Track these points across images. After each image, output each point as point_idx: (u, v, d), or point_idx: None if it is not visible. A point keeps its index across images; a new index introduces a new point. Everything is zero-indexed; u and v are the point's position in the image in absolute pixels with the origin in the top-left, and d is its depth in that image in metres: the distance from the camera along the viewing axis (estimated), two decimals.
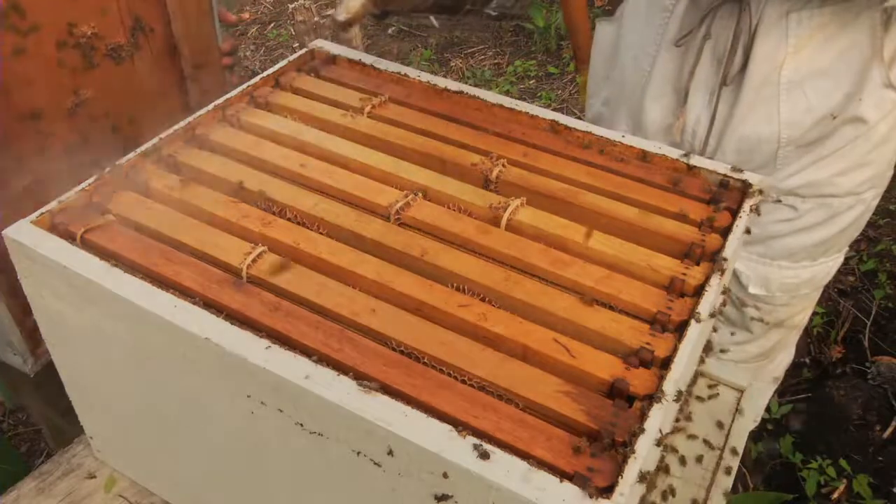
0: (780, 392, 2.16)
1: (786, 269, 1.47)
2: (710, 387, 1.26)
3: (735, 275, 1.50)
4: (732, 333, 1.60)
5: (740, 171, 1.05)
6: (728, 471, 1.14)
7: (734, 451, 1.16)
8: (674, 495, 1.07)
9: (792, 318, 1.58)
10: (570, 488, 0.67)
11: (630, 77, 1.46)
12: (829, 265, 1.49)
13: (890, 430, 2.11)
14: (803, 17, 1.21)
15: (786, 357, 1.74)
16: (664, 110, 1.42)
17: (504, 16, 1.24)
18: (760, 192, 1.02)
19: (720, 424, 1.20)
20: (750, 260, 1.48)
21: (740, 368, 1.62)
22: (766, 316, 1.54)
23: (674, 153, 1.08)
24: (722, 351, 1.64)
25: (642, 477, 0.70)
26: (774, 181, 1.36)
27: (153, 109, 1.42)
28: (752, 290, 1.50)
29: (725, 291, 0.91)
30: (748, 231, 1.00)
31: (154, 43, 1.39)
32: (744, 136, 1.33)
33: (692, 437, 1.17)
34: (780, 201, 1.40)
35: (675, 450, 1.14)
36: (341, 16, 1.22)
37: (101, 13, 1.28)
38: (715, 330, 1.28)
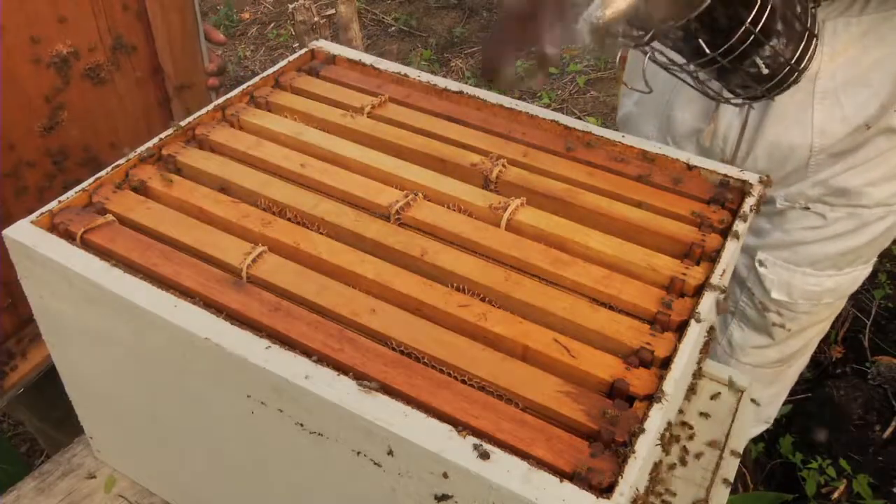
0: None
1: (810, 276, 1.45)
2: (707, 386, 1.26)
3: (759, 279, 1.50)
4: (770, 335, 1.59)
5: (742, 173, 1.05)
6: (728, 471, 1.13)
7: (734, 452, 1.16)
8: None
9: (814, 326, 1.57)
10: (570, 488, 0.67)
11: (662, 79, 1.45)
12: (855, 275, 1.47)
13: (890, 430, 2.11)
14: (839, 25, 1.19)
15: (803, 363, 1.74)
16: (695, 115, 1.40)
17: (775, 77, 0.99)
18: (766, 184, 1.02)
19: (721, 425, 1.20)
20: (775, 265, 1.47)
21: (760, 373, 1.62)
22: (789, 322, 1.53)
23: (674, 153, 1.08)
24: (742, 354, 1.63)
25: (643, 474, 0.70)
26: (803, 188, 1.35)
27: (134, 131, 1.38)
28: (774, 295, 1.49)
29: (724, 291, 0.91)
30: (757, 209, 0.99)
31: (136, 63, 1.35)
32: (775, 142, 1.31)
33: (692, 436, 1.17)
34: (808, 209, 1.39)
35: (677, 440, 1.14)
36: (608, 10, 0.85)
37: (79, 30, 1.22)
38: (713, 329, 1.28)
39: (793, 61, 0.93)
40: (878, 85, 1.23)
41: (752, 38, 0.89)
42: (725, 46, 0.90)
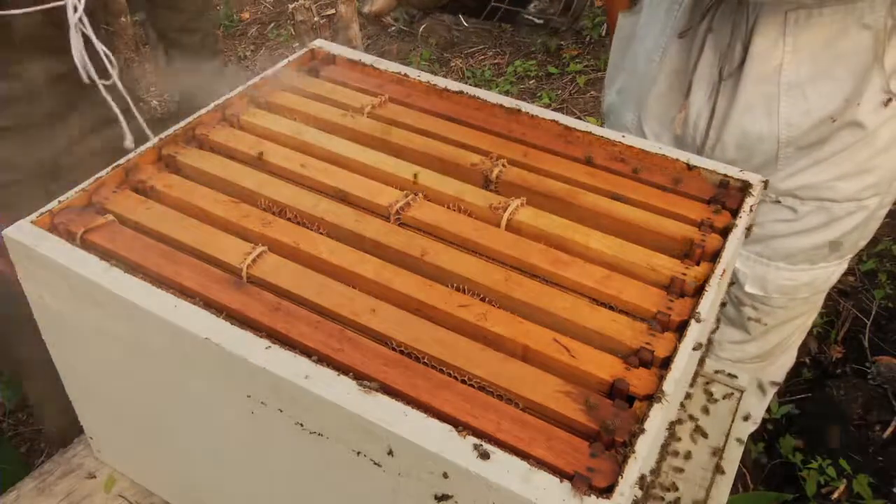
0: (780, 392, 2.16)
1: (783, 270, 1.46)
2: (706, 387, 1.26)
3: (733, 273, 1.50)
4: (746, 329, 1.59)
5: (742, 173, 1.05)
6: (728, 471, 1.14)
7: (734, 452, 1.16)
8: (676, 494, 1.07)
9: (791, 322, 1.57)
10: (570, 488, 0.67)
11: (641, 67, 1.47)
12: (830, 270, 1.48)
13: (890, 430, 2.11)
14: (801, 16, 1.21)
15: (787, 361, 1.74)
16: (669, 102, 1.42)
17: (549, 25, 1.20)
18: (765, 186, 1.02)
19: (720, 424, 1.20)
20: (748, 259, 1.48)
21: (740, 369, 1.62)
22: (764, 317, 1.54)
23: (674, 153, 1.08)
24: (720, 348, 1.63)
25: (642, 478, 0.70)
26: (774, 181, 1.36)
27: None
28: (748, 288, 1.50)
29: (728, 288, 0.91)
30: (749, 229, 1.00)
31: None
32: (742, 132, 1.33)
33: (692, 437, 1.17)
34: (779, 202, 1.40)
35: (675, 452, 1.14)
36: (366, 7, 1.23)
37: None
38: (716, 329, 1.28)
39: (558, 15, 1.26)
40: (841, 78, 1.24)
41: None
42: (486, 12, 1.23)
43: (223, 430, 0.91)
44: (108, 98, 1.44)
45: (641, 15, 1.49)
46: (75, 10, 1.34)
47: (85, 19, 1.36)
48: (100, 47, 1.39)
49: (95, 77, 1.40)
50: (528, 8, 1.25)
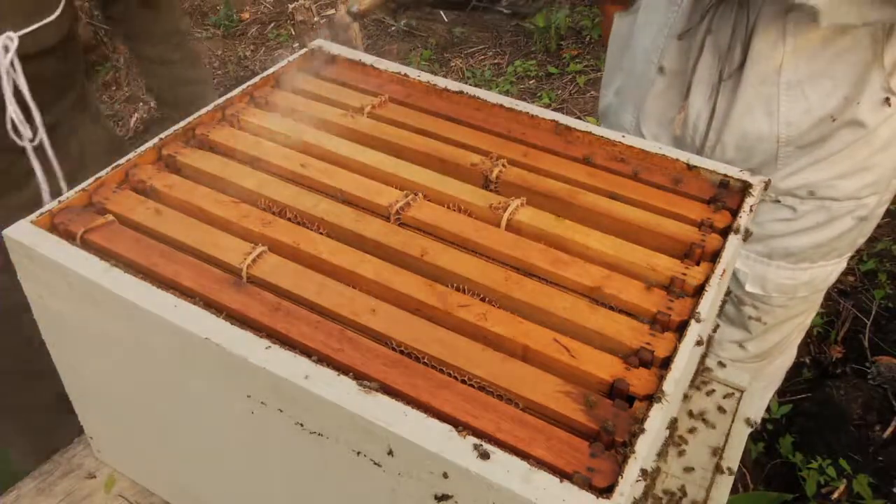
0: (780, 392, 2.16)
1: (784, 269, 1.46)
2: (703, 385, 1.26)
3: (733, 272, 1.50)
4: (747, 328, 1.59)
5: (742, 173, 1.05)
6: (728, 471, 1.13)
7: (734, 452, 1.16)
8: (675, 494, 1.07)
9: (791, 321, 1.57)
10: (570, 488, 0.67)
11: (639, 68, 1.47)
12: (829, 269, 1.48)
13: (890, 430, 2.11)
14: (801, 18, 1.21)
15: (786, 360, 1.74)
16: (667, 103, 1.42)
17: (517, 14, 1.33)
18: (765, 186, 1.02)
19: (720, 424, 1.20)
20: (748, 258, 1.48)
21: (739, 368, 1.62)
22: (764, 316, 1.54)
23: (673, 153, 1.08)
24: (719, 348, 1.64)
25: (644, 475, 0.70)
26: (774, 181, 1.36)
27: None
28: (748, 288, 1.50)
29: (728, 293, 0.91)
30: (748, 233, 1.00)
31: None
32: (742, 132, 1.33)
33: (692, 437, 1.17)
34: (778, 201, 1.40)
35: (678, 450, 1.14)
36: (354, 7, 1.30)
37: None
38: (717, 328, 1.28)
39: (525, 4, 1.49)
40: (840, 77, 1.24)
41: None
42: (469, 7, 1.42)
43: (223, 430, 0.91)
44: (34, 160, 1.23)
45: (638, 15, 1.49)
46: (6, 50, 1.13)
47: (17, 63, 1.16)
48: (29, 100, 1.18)
49: (16, 138, 1.21)
50: (501, 1, 1.50)
